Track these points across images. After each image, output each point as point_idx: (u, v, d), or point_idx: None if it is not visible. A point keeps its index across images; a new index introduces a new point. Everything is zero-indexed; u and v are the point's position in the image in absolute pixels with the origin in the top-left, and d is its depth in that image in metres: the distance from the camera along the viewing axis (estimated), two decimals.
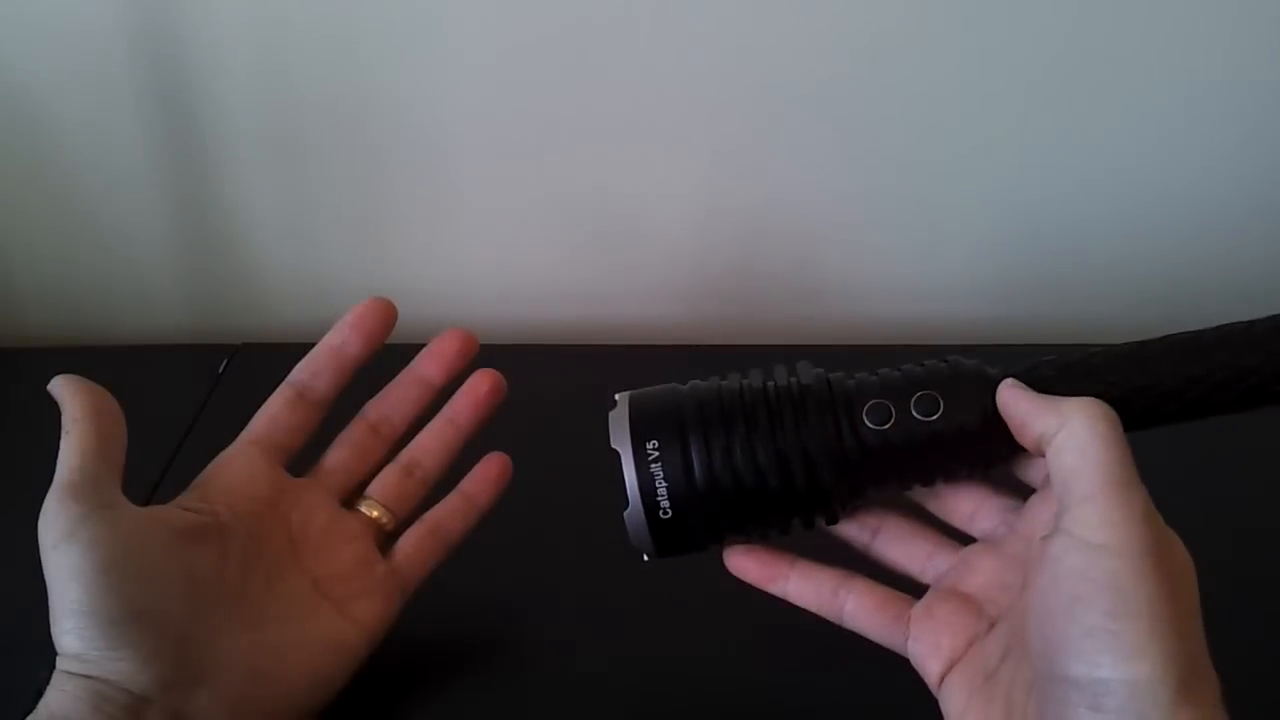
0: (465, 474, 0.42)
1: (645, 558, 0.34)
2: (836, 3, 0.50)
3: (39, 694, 0.32)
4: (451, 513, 0.41)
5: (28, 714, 0.32)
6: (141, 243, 0.60)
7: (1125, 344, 0.32)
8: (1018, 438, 0.31)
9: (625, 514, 0.32)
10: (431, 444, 0.42)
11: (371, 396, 0.42)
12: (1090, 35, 0.51)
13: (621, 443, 0.33)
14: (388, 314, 0.42)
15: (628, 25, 0.51)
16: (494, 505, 0.42)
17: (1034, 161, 0.55)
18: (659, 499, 0.32)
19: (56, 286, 0.63)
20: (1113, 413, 0.29)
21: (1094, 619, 0.26)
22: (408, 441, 0.42)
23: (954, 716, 0.31)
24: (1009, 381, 0.32)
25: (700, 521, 0.33)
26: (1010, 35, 0.50)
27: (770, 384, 0.33)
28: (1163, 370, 0.31)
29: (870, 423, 0.32)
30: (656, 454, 0.32)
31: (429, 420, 0.43)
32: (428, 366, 0.43)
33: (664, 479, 0.32)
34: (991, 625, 0.32)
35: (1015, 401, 0.31)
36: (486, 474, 0.42)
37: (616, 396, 0.34)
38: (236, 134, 0.56)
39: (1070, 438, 0.29)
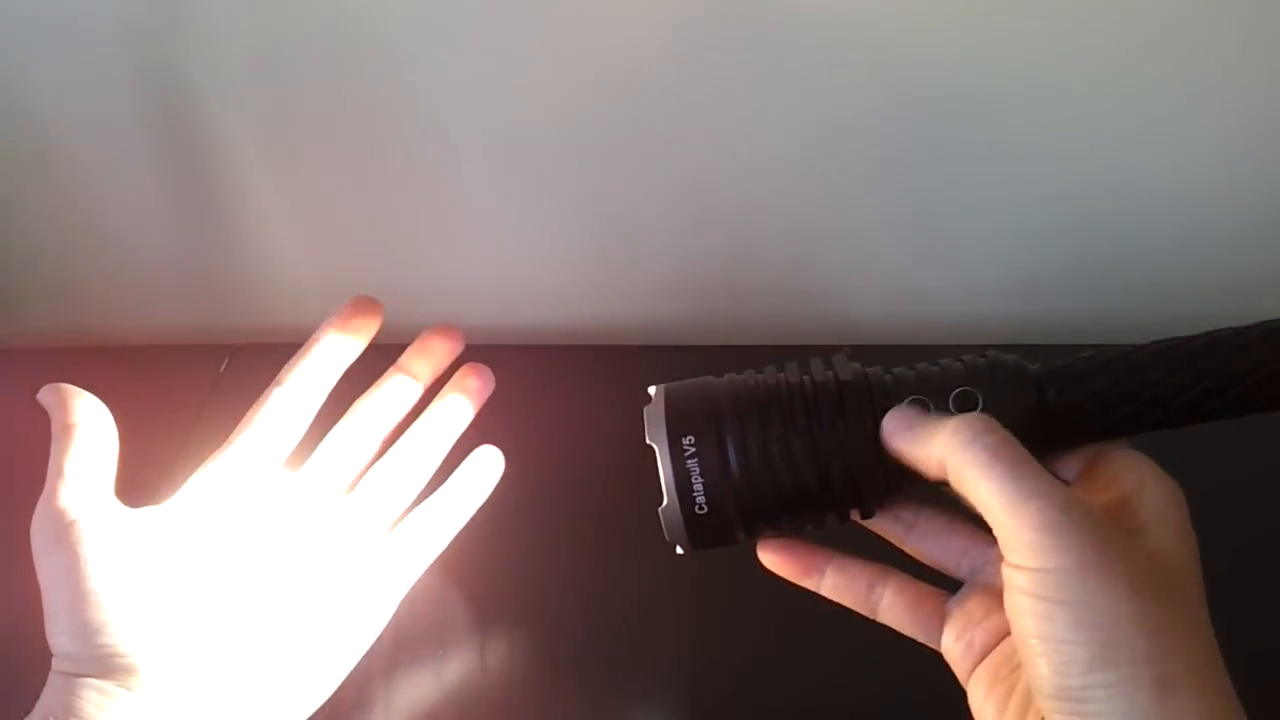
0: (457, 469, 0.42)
1: (679, 551, 0.33)
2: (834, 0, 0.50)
3: (37, 695, 0.33)
4: (444, 508, 0.41)
5: (27, 714, 0.32)
6: (142, 243, 0.60)
7: (1117, 347, 0.32)
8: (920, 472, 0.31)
9: (660, 509, 0.32)
10: (422, 440, 0.42)
11: (362, 394, 0.42)
12: (1092, 33, 0.50)
13: (657, 438, 0.32)
14: (372, 311, 0.43)
15: (625, 24, 0.51)
16: (487, 499, 0.42)
17: (1035, 160, 0.55)
18: (695, 495, 0.32)
19: (56, 286, 0.63)
20: (985, 424, 0.29)
21: (1058, 633, 0.26)
22: (398, 438, 0.42)
23: (976, 705, 0.31)
24: (886, 420, 0.31)
25: (736, 517, 0.32)
26: (1011, 33, 0.50)
27: (807, 379, 0.33)
28: (1151, 376, 0.31)
29: None
30: (692, 450, 0.32)
31: (419, 416, 0.43)
32: (414, 363, 0.43)
33: (700, 475, 0.32)
34: None
35: (894, 441, 0.31)
36: (478, 467, 0.42)
37: (651, 390, 0.33)
38: (236, 133, 0.55)
39: (954, 473, 0.29)
